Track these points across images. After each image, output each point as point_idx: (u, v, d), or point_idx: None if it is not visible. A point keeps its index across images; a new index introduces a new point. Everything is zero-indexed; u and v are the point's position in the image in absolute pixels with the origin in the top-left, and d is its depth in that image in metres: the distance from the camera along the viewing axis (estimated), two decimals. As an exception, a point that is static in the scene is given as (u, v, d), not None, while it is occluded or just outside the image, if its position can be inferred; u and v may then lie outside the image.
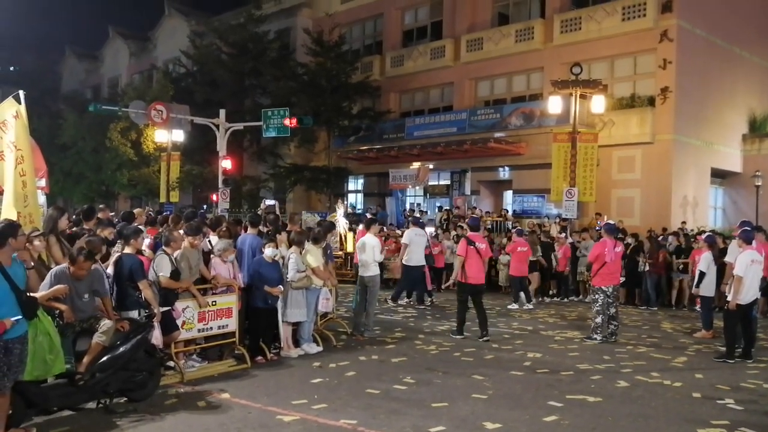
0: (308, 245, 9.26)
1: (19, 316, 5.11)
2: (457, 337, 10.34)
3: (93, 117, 29.32)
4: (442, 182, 27.26)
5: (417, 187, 26.74)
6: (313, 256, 9.21)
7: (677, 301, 15.22)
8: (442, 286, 15.29)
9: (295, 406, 6.44)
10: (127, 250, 7.13)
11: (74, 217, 9.61)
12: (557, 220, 19.39)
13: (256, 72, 27.76)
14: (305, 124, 20.70)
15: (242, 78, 28.26)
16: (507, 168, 24.08)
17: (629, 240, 15.41)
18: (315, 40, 26.50)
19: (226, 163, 20.42)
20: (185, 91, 28.73)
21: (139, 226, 8.42)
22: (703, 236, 13.08)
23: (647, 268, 14.92)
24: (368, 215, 18.76)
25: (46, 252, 6.81)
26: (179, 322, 7.50)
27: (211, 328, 7.96)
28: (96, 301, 6.30)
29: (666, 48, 20.64)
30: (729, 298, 9.03)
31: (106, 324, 6.07)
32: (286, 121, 19.21)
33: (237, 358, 8.24)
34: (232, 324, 8.19)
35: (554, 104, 19.71)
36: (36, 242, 6.49)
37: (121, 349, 6.23)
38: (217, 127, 20.19)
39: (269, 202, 23.28)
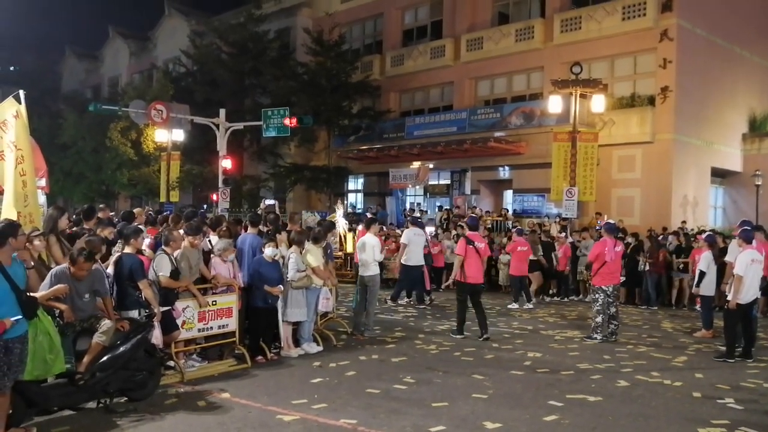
0: (308, 245, 9.26)
1: (19, 316, 5.11)
2: (457, 336, 10.34)
3: (93, 117, 29.32)
4: (442, 182, 27.25)
5: (417, 187, 26.72)
6: (313, 255, 9.21)
7: (677, 301, 15.23)
8: (442, 286, 15.31)
9: (295, 406, 6.44)
10: (128, 249, 7.14)
11: (74, 216, 9.61)
12: (557, 219, 19.40)
13: (256, 71, 27.75)
14: (305, 124, 20.67)
15: (242, 77, 28.26)
16: (507, 167, 24.06)
17: (629, 239, 15.40)
18: (315, 39, 26.49)
19: (226, 163, 20.41)
20: (185, 90, 28.72)
21: (139, 226, 8.41)
22: (703, 236, 13.07)
23: (647, 267, 14.90)
24: (368, 215, 18.75)
25: (46, 252, 6.82)
26: (179, 322, 7.50)
27: (211, 327, 7.96)
28: (96, 301, 6.30)
29: (666, 47, 20.64)
30: (729, 298, 9.03)
31: (106, 324, 6.08)
32: (286, 121, 19.19)
33: (237, 358, 8.24)
34: (232, 324, 8.19)
35: (554, 104, 19.69)
36: (36, 242, 6.49)
37: (122, 348, 6.24)
38: (217, 126, 20.19)
39: (269, 201, 23.27)
